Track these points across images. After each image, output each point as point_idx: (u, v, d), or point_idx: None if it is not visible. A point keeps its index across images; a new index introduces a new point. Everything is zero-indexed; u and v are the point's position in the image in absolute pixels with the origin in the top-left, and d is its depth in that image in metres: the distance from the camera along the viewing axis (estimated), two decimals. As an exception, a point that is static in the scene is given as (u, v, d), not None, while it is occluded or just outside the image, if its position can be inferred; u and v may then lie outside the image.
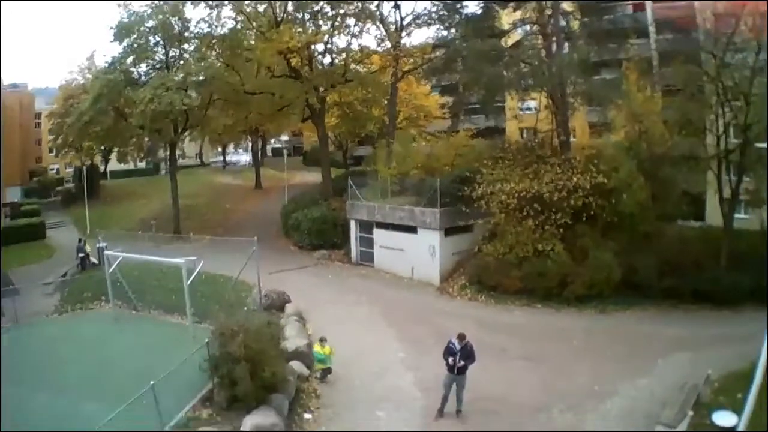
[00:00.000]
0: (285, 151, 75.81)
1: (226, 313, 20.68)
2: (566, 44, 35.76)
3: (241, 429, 15.89)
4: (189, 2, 46.87)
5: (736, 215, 30.12)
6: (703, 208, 34.87)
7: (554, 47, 35.15)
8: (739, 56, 28.08)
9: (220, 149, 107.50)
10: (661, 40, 41.43)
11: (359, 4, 46.35)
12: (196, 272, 25.23)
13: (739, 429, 10.27)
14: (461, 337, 17.34)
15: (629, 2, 40.16)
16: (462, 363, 17.10)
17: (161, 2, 47.34)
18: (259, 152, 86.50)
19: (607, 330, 25.46)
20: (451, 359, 17.11)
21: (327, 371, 20.57)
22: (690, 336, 23.54)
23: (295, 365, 20.17)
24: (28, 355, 23.49)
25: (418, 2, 47.63)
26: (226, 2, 45.85)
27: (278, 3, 45.84)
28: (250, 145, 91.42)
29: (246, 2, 46.11)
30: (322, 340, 20.77)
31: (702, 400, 16.38)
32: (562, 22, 35.85)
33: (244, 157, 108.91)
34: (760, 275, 25.49)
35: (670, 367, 20.43)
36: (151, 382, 15.09)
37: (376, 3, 47.28)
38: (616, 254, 28.43)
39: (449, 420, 17.56)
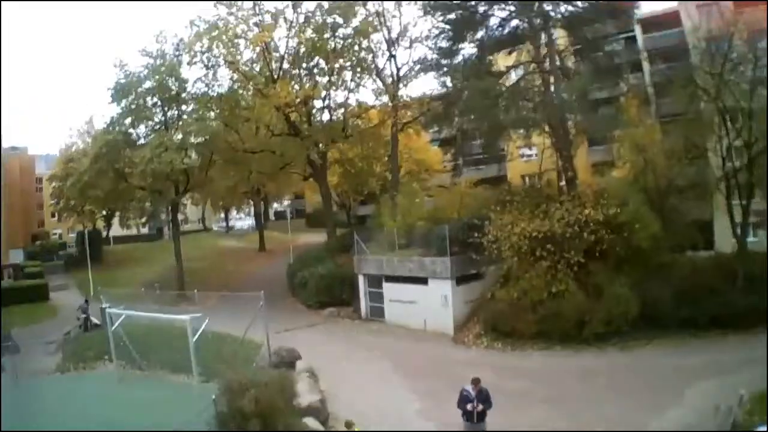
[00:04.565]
0: (288, 214, 75.62)
1: (234, 370, 20.03)
2: (563, 83, 35.64)
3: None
4: (185, 62, 47.17)
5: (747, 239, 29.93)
6: (711, 236, 34.43)
7: (552, 85, 35.13)
8: (738, 70, 28.21)
9: (222, 214, 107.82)
10: (656, 71, 41.90)
11: (354, 58, 46.66)
12: (201, 330, 24.47)
13: None
14: (475, 381, 16.82)
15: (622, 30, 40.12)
16: (481, 408, 16.47)
17: (158, 62, 47.52)
18: (262, 215, 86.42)
19: (630, 366, 24.82)
20: (469, 405, 16.50)
21: None
22: (713, 362, 22.93)
23: (310, 422, 19.37)
24: (28, 416, 22.61)
25: (414, 49, 47.21)
26: (221, 60, 46.07)
27: (273, 59, 46.09)
28: (252, 208, 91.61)
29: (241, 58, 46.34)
30: (349, 426, 16.98)
31: (737, 421, 15.70)
32: (558, 62, 35.77)
33: (247, 222, 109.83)
34: None
35: (699, 395, 19.86)
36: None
37: (371, 55, 47.68)
38: (631, 288, 27.91)
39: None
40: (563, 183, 38.36)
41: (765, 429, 12.50)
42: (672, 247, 29.85)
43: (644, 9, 40.77)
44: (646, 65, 43.47)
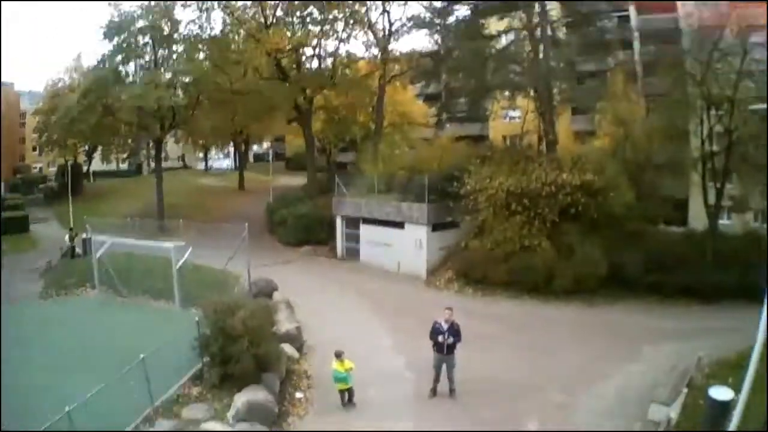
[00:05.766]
0: (270, 156, 75.80)
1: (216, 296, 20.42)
2: (552, 51, 36.18)
3: (233, 405, 15.77)
4: (179, 3, 47.14)
5: (720, 221, 30.76)
6: (686, 214, 35.40)
7: (541, 53, 35.64)
8: (726, 60, 28.57)
9: (201, 154, 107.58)
10: (646, 51, 42.14)
11: (348, 10, 46.83)
12: (184, 258, 25.21)
13: (736, 407, 10.37)
14: (448, 311, 17.46)
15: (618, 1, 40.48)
16: (451, 340, 17.11)
17: (152, 3, 47.47)
18: (242, 156, 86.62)
19: (595, 321, 25.73)
20: (440, 337, 17.13)
21: (350, 393, 17.52)
22: (677, 328, 23.85)
23: (286, 348, 20.26)
24: (10, 337, 23.12)
25: (408, 6, 47.38)
26: (216, 3, 46.02)
27: (268, 6, 46.27)
28: (233, 149, 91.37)
29: (236, 2, 46.30)
30: (339, 355, 17.10)
31: (694, 383, 16.41)
32: (549, 32, 36.26)
33: (226, 162, 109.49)
34: (743, 276, 25.76)
35: (659, 354, 20.55)
36: (141, 356, 14.92)
37: (365, 9, 47.70)
38: (601, 250, 28.70)
39: (443, 399, 17.61)
40: (543, 148, 39.11)
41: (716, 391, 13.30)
42: (646, 219, 30.59)
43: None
44: (636, 44, 43.90)
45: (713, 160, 29.49)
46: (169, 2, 47.61)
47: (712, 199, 29.97)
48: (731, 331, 19.20)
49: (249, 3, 46.85)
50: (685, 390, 15.32)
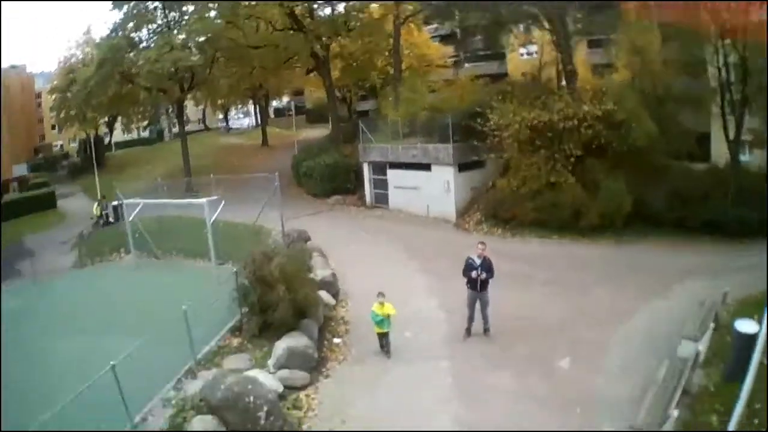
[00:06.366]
0: (291, 109, 75.61)
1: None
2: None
3: (273, 353, 16.08)
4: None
5: (742, 157, 30.24)
6: (708, 150, 34.83)
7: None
8: None
9: (221, 115, 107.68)
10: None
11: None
12: (217, 212, 25.39)
13: (760, 340, 10.26)
14: (482, 247, 17.48)
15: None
16: (484, 275, 17.08)
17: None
18: (262, 112, 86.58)
19: (623, 259, 25.53)
20: (473, 273, 17.11)
21: (387, 342, 17.27)
22: (703, 265, 23.49)
23: (323, 294, 20.41)
24: (50, 307, 23.78)
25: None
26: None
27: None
28: (252, 107, 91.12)
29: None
30: (381, 295, 16.89)
31: (720, 320, 16.36)
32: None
33: (247, 121, 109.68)
34: (765, 211, 25.40)
35: (686, 292, 20.28)
36: (183, 307, 15.13)
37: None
38: (626, 186, 28.44)
39: (478, 339, 17.75)
40: (563, 83, 38.46)
41: (741, 324, 13.23)
42: (669, 154, 30.07)
43: None
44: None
45: (731, 90, 28.81)
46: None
47: (732, 135, 29.32)
48: (756, 268, 19.05)
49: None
50: (713, 325, 15.24)
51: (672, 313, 18.32)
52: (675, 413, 11.85)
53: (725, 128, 29.20)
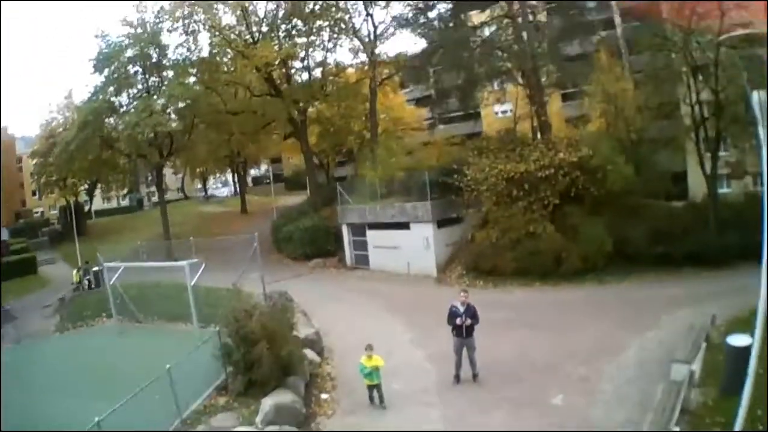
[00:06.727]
0: (270, 177, 76.22)
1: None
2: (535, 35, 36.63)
3: (261, 410, 15.86)
4: (165, 28, 47.49)
5: (719, 190, 31.00)
6: (686, 187, 35.54)
7: (525, 37, 36.08)
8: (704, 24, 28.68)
9: (200, 184, 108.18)
10: (628, 28, 42.32)
11: (332, 18, 47.22)
12: (198, 273, 25.34)
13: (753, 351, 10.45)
14: (464, 293, 17.70)
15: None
16: (469, 322, 17.17)
17: (139, 31, 47.79)
18: (240, 180, 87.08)
19: (607, 298, 25.84)
20: (458, 320, 17.19)
21: (380, 393, 16.97)
22: (688, 294, 23.98)
23: (307, 352, 20.31)
24: (34, 370, 23.32)
25: (391, 7, 47.39)
26: (202, 26, 46.37)
27: (253, 22, 46.71)
28: (231, 175, 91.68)
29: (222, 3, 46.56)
30: (369, 348, 16.70)
31: (711, 341, 16.66)
32: (530, 17, 36.70)
33: (225, 190, 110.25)
34: (746, 237, 25.74)
35: (674, 320, 20.73)
36: (167, 365, 15.03)
37: (348, 15, 48.02)
38: (606, 228, 29.04)
39: (467, 385, 17.68)
40: (537, 135, 39.22)
41: (734, 339, 13.47)
42: (646, 194, 30.90)
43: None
44: (617, 19, 44.25)
45: (705, 125, 29.69)
46: (155, 29, 47.81)
47: (709, 169, 30.07)
48: (741, 291, 19.16)
49: (234, 22, 47.15)
50: (704, 344, 15.46)
51: (662, 341, 18.73)
52: (676, 429, 12.02)
53: (701, 163, 29.93)
